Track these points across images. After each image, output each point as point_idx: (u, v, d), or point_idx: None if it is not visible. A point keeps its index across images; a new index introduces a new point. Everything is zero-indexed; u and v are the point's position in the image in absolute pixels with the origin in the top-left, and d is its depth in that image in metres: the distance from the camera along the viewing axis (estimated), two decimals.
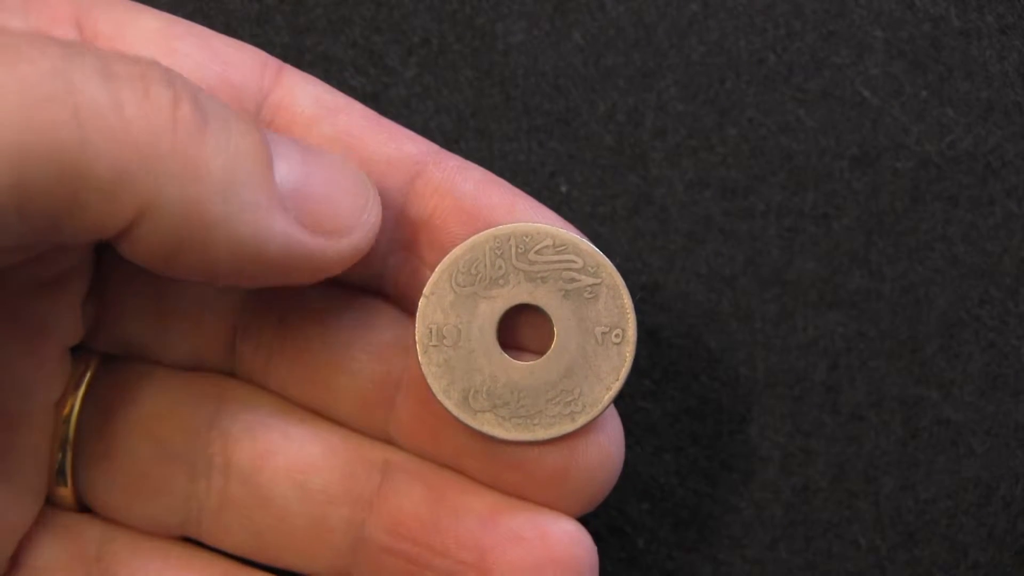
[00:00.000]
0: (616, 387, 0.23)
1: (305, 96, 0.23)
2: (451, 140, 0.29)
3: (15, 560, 0.23)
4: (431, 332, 0.23)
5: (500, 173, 0.28)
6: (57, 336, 0.23)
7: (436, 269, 0.23)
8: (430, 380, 0.23)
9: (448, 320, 0.23)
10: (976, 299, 0.28)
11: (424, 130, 0.28)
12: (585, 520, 0.24)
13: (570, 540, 0.23)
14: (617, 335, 0.23)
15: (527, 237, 0.23)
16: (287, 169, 0.21)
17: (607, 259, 0.23)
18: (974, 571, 0.28)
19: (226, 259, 0.20)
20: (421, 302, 0.23)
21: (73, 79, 0.18)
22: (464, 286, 0.23)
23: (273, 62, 0.23)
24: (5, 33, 0.19)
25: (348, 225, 0.21)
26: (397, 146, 0.23)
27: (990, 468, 0.28)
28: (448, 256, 0.23)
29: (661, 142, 0.28)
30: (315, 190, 0.21)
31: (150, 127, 0.19)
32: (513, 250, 0.23)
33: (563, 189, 0.28)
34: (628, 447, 0.25)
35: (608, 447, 0.23)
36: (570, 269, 0.23)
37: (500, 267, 0.23)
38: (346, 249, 0.21)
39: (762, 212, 0.28)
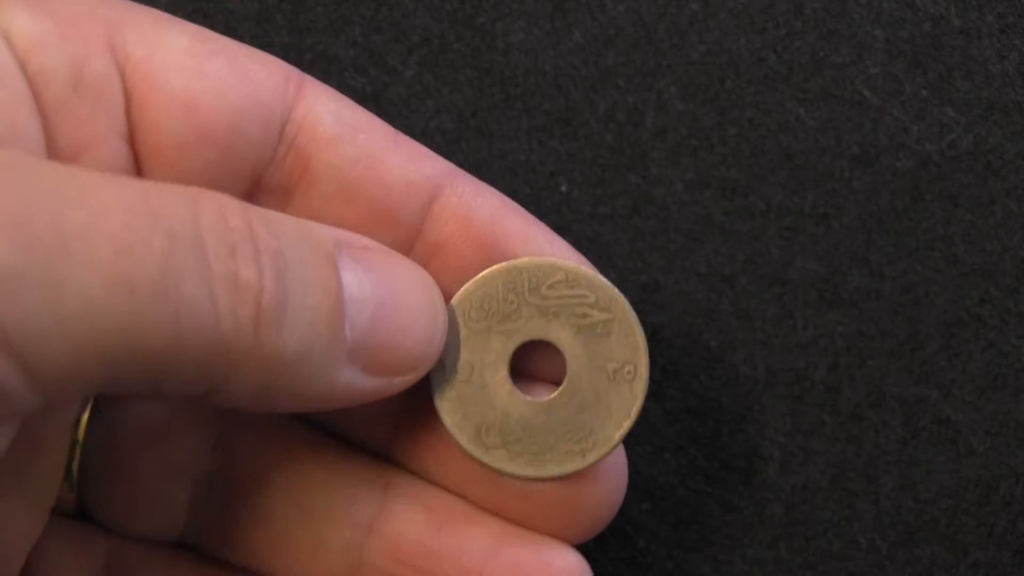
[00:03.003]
0: (627, 425, 0.23)
1: (326, 113, 0.23)
2: (451, 140, 0.28)
3: (25, 571, 0.23)
4: (444, 368, 0.23)
5: (500, 173, 0.28)
6: None
7: (448, 304, 0.23)
8: (443, 416, 0.23)
9: (461, 356, 0.23)
10: (976, 299, 0.28)
11: (424, 130, 0.28)
12: None
13: (572, 574, 0.23)
14: (629, 371, 0.23)
15: (540, 271, 0.23)
16: (358, 316, 0.21)
17: (620, 294, 0.23)
18: (974, 571, 0.28)
19: (291, 406, 0.21)
20: None
21: (176, 274, 0.18)
22: (477, 321, 0.23)
23: (295, 75, 0.23)
24: (117, 209, 0.18)
25: (411, 366, 0.22)
26: (416, 168, 0.23)
27: (990, 468, 0.28)
28: (461, 291, 0.23)
29: (661, 142, 0.28)
30: (383, 338, 0.21)
31: (237, 323, 0.19)
32: (526, 284, 0.23)
33: (563, 189, 0.28)
34: (628, 447, 0.25)
35: (615, 481, 0.24)
36: (583, 304, 0.23)
37: (512, 302, 0.23)
38: (406, 384, 0.22)
39: (762, 212, 0.28)
